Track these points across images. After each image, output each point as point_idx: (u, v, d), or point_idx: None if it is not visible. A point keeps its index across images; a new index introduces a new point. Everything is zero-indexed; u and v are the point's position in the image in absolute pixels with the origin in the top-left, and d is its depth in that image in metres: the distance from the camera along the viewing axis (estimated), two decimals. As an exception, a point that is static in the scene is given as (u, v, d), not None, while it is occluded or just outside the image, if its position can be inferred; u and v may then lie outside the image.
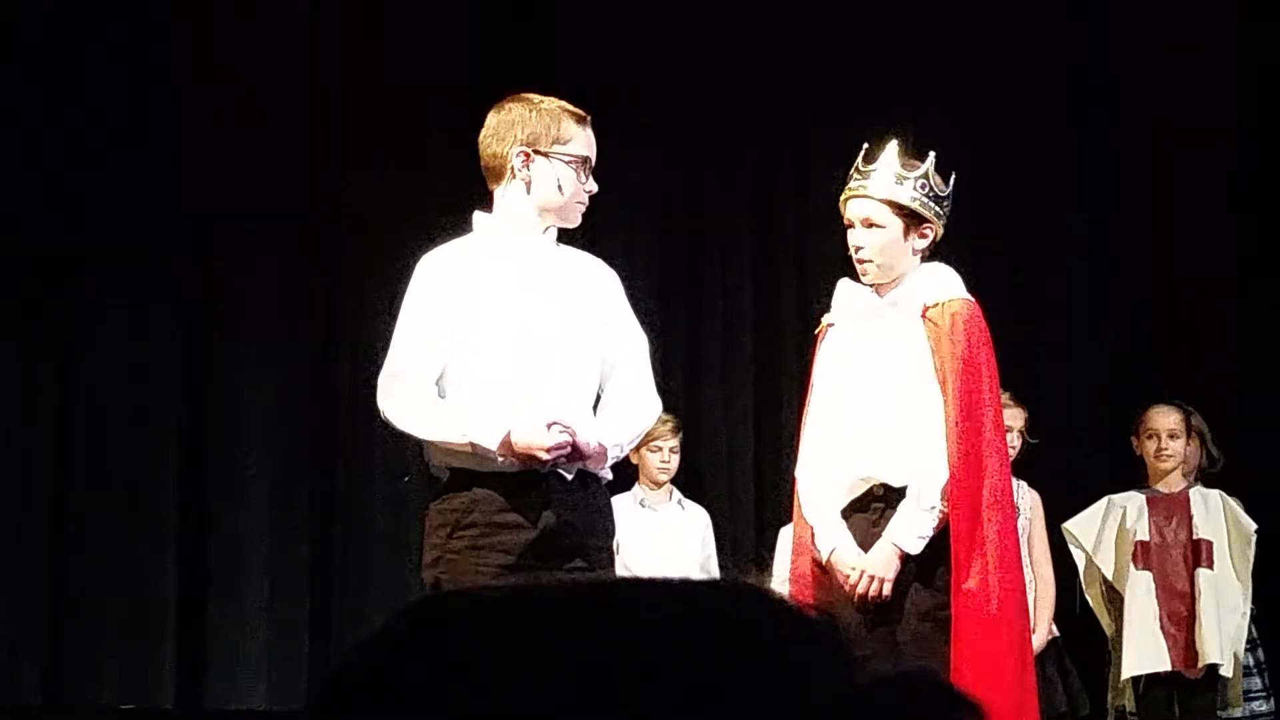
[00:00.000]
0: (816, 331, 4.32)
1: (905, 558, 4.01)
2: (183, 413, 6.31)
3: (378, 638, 0.75)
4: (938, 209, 4.13)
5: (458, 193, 4.24)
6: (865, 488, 4.09)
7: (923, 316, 4.08)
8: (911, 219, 4.10)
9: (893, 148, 4.13)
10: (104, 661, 6.16)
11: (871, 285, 4.16)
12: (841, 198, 4.19)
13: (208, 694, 6.22)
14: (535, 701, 0.68)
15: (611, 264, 4.16)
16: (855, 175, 4.16)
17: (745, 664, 0.67)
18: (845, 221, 4.17)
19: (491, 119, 3.99)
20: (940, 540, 4.00)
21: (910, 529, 4.00)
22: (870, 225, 4.10)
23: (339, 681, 0.75)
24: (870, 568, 3.99)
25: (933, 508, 3.99)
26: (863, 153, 4.17)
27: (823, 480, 4.13)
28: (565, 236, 4.08)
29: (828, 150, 4.40)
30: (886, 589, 3.98)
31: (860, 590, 3.98)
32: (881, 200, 4.09)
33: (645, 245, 6.54)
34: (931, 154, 4.15)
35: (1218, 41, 6.65)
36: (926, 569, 4.01)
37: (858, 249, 4.12)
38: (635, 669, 0.67)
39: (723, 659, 0.67)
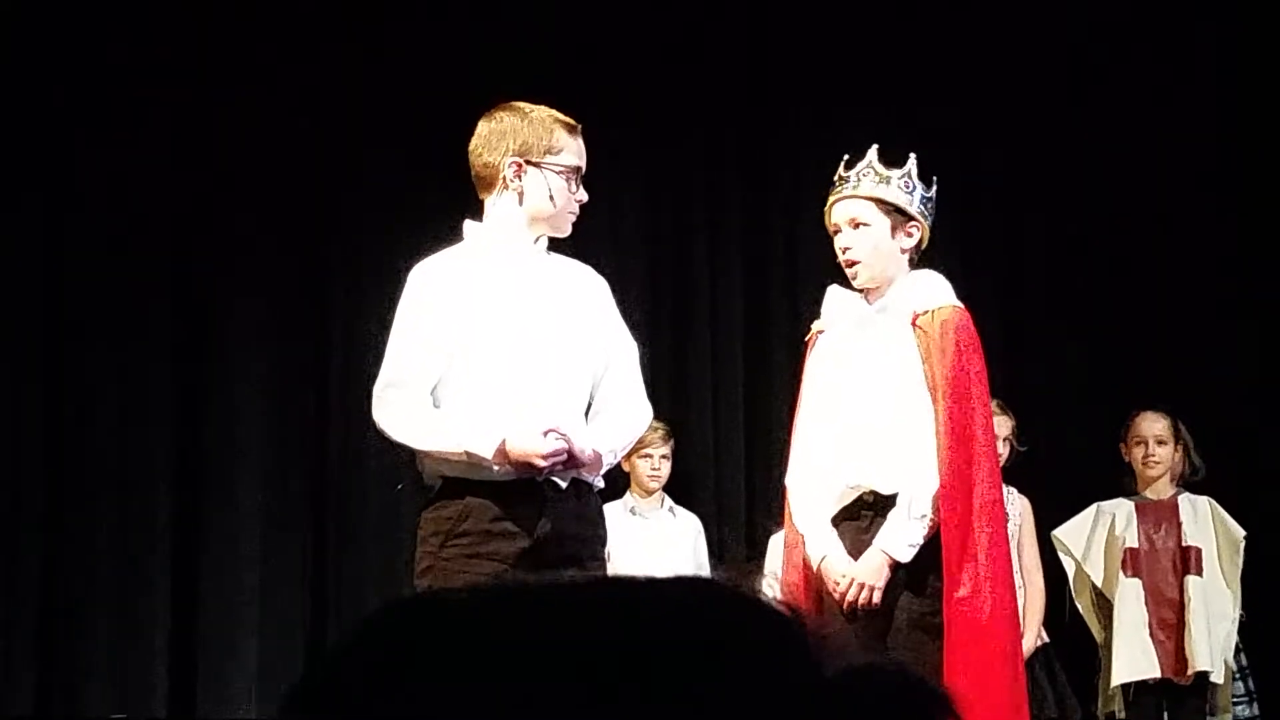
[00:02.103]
0: (806, 339, 4.33)
1: (895, 565, 4.02)
2: (176, 418, 6.31)
3: (346, 643, 0.75)
4: (922, 208, 4.15)
5: (454, 197, 4.24)
6: (855, 495, 4.09)
7: (912, 324, 4.09)
8: (898, 216, 4.12)
9: (873, 152, 4.15)
10: (96, 670, 6.15)
11: (861, 290, 4.18)
12: (826, 206, 4.22)
13: (200, 703, 6.21)
14: (502, 702, 0.68)
15: (600, 271, 4.18)
16: (839, 182, 4.18)
17: (711, 657, 0.68)
18: (831, 229, 4.19)
19: (482, 128, 3.99)
20: (931, 548, 4.00)
21: (900, 537, 4.00)
22: (857, 225, 4.12)
23: (309, 685, 0.75)
24: (860, 575, 4.00)
25: (923, 516, 4.00)
26: (844, 162, 4.19)
27: (813, 488, 4.14)
28: (555, 244, 4.09)
29: (819, 154, 4.42)
30: (876, 597, 3.98)
31: (850, 598, 3.99)
32: (867, 198, 4.12)
33: (634, 252, 6.55)
34: (913, 156, 4.18)
35: (1215, 44, 6.67)
36: (917, 576, 4.02)
37: (845, 250, 4.13)
38: (602, 665, 0.68)
39: (689, 652, 0.68)
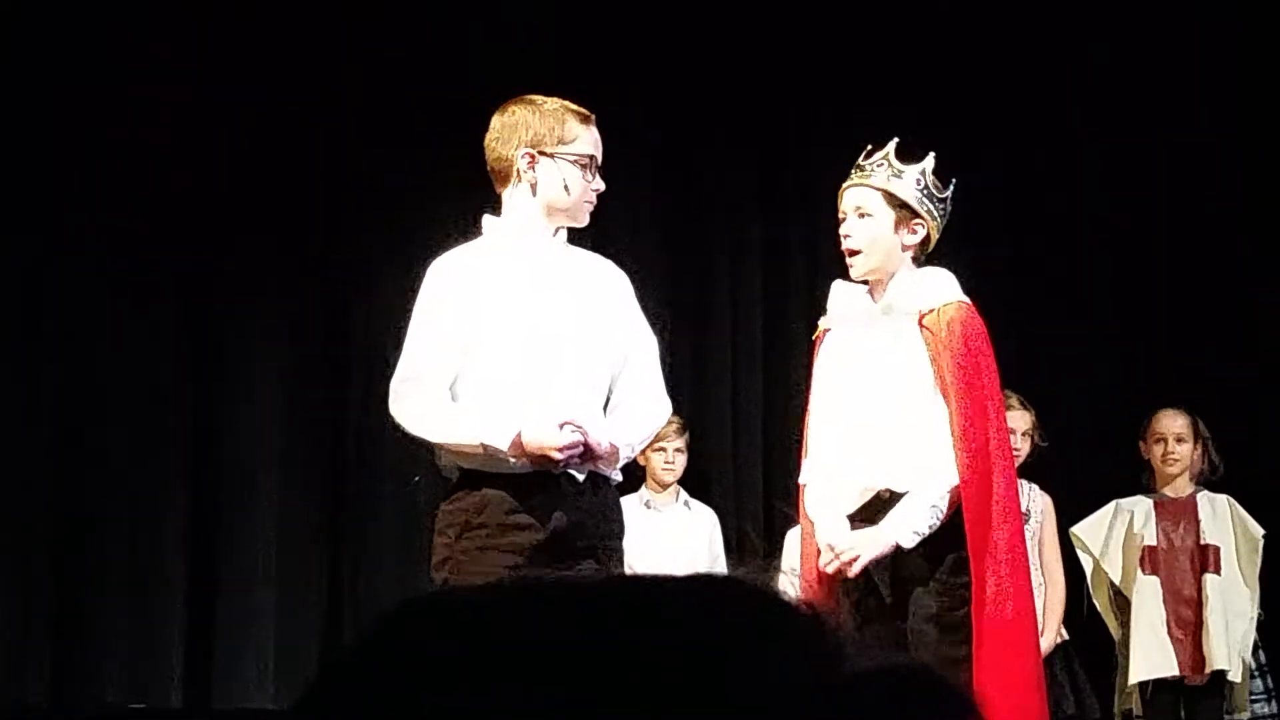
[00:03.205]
0: (814, 336, 4.33)
1: (908, 558, 4.00)
2: (192, 411, 6.32)
3: (361, 642, 0.75)
4: (931, 207, 4.13)
5: (471, 192, 4.24)
6: (871, 495, 4.08)
7: (919, 324, 4.08)
8: (904, 212, 4.11)
9: (892, 145, 4.15)
10: (113, 660, 6.17)
11: (862, 282, 4.16)
12: (840, 191, 4.21)
13: (216, 693, 6.23)
14: (514, 702, 0.68)
15: (619, 264, 4.18)
16: (855, 170, 4.18)
17: (728, 656, 0.68)
18: (839, 215, 4.19)
19: (495, 122, 3.99)
20: (946, 544, 3.99)
21: (906, 523, 3.97)
22: (862, 215, 4.12)
23: (323, 684, 0.75)
24: (853, 542, 3.98)
25: (933, 506, 3.98)
26: (864, 151, 4.19)
27: (826, 485, 4.13)
28: (575, 237, 4.09)
29: (838, 148, 4.41)
30: (858, 566, 3.95)
31: (833, 553, 3.96)
32: (876, 188, 4.11)
33: (653, 245, 6.54)
34: (931, 154, 4.17)
35: (1219, 44, 6.65)
36: (933, 573, 4.00)
37: (846, 237, 4.13)
38: (617, 665, 0.67)
39: (705, 651, 0.68)
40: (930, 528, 3.97)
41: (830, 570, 3.99)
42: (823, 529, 4.08)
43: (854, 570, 3.96)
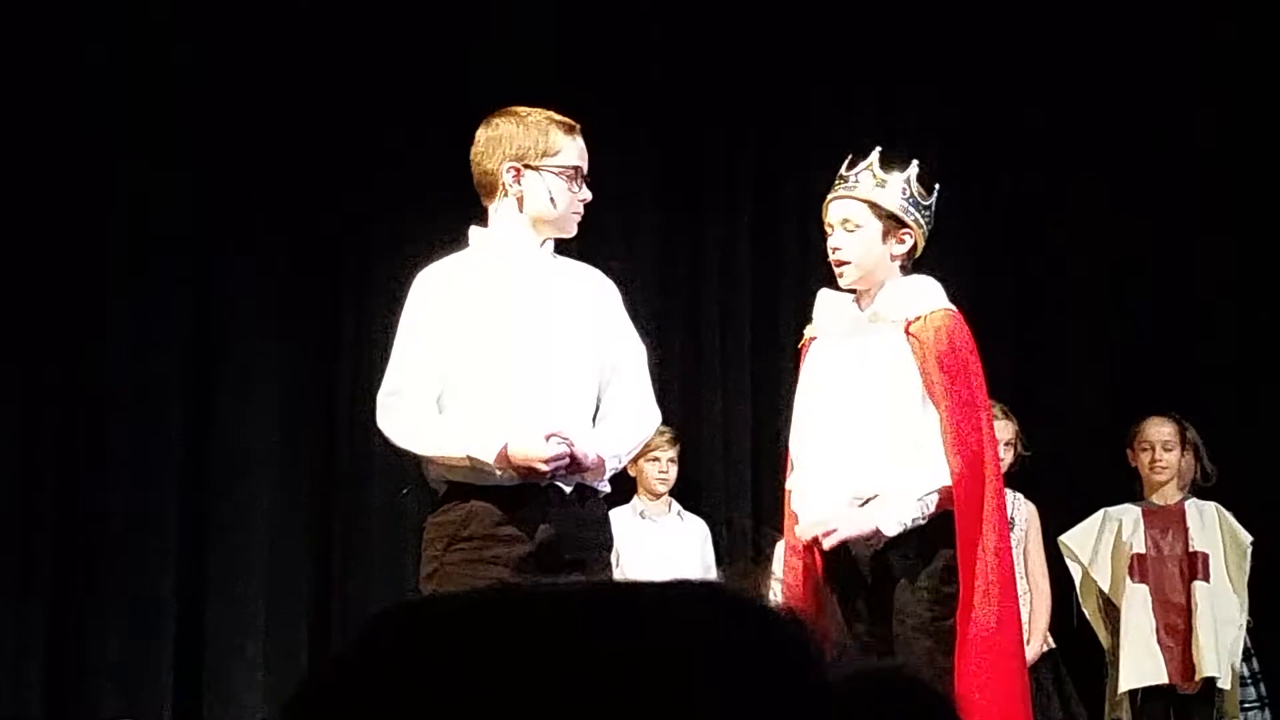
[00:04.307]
0: (800, 345, 4.33)
1: (896, 559, 3.99)
2: (184, 426, 6.30)
3: (346, 648, 0.75)
4: (918, 215, 4.13)
5: (465, 202, 4.24)
6: (861, 502, 4.07)
7: (906, 332, 4.08)
8: (891, 222, 4.11)
9: (875, 154, 4.14)
10: (104, 675, 6.15)
11: (850, 291, 4.16)
12: (824, 203, 4.21)
13: (206, 708, 6.21)
14: (500, 705, 0.68)
15: (610, 276, 4.17)
16: (838, 181, 4.18)
17: (712, 662, 0.68)
18: (825, 227, 4.19)
19: (481, 135, 4.00)
20: (935, 546, 3.99)
21: (892, 511, 3.96)
22: (850, 227, 4.11)
23: (308, 690, 0.75)
24: (833, 519, 3.98)
25: (920, 500, 3.97)
26: (846, 161, 4.19)
27: (812, 493, 4.12)
28: (564, 248, 4.09)
29: (828, 156, 4.41)
30: (834, 539, 3.95)
31: (813, 522, 3.97)
32: (863, 200, 4.11)
33: (643, 256, 6.54)
34: (915, 161, 4.16)
35: (1219, 47, 6.66)
36: (920, 580, 4.00)
37: (835, 250, 4.13)
38: (599, 672, 0.68)
39: (688, 657, 0.68)
40: (915, 521, 3.96)
41: (806, 538, 3.99)
42: (807, 513, 4.08)
43: (829, 543, 3.96)
